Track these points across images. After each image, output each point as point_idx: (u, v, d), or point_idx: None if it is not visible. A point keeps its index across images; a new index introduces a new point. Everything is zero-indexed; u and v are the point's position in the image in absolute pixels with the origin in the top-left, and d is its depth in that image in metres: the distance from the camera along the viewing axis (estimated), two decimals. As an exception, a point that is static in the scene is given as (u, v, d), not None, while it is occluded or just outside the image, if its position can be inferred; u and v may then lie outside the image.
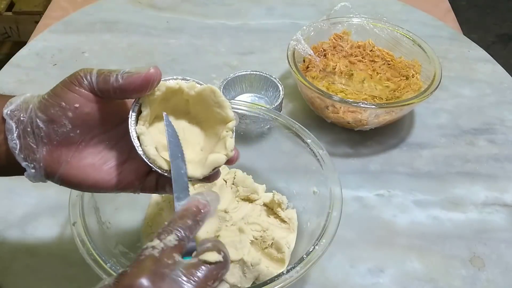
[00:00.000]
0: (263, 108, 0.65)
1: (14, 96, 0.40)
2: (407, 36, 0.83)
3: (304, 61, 0.81)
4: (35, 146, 0.39)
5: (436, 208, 0.68)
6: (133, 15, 1.04)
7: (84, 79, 0.39)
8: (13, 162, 0.39)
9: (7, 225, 0.63)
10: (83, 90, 0.39)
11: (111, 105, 0.41)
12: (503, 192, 0.71)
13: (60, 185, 0.41)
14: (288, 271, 0.47)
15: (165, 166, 0.41)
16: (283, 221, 0.61)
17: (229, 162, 0.43)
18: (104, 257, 0.48)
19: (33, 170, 0.39)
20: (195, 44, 0.97)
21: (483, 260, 0.62)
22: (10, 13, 1.77)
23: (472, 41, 1.00)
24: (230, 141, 0.43)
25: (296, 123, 0.62)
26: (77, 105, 0.39)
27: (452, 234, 0.65)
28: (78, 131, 0.39)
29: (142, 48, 0.95)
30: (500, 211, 0.68)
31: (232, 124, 0.43)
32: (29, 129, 0.38)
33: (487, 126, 0.81)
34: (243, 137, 0.66)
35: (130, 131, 0.41)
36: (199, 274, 0.33)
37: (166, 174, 0.41)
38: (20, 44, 1.03)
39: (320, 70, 0.80)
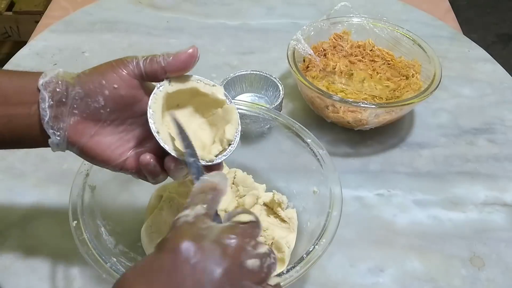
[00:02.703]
0: (263, 108, 0.65)
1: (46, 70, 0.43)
2: (407, 36, 0.83)
3: (304, 61, 0.81)
4: (64, 116, 0.41)
5: (436, 208, 0.68)
6: (133, 15, 1.04)
7: (129, 64, 0.42)
8: (42, 131, 0.42)
9: (7, 225, 0.63)
10: (126, 74, 0.42)
11: (142, 95, 0.44)
12: (503, 192, 0.71)
13: (77, 155, 0.44)
14: (288, 271, 0.48)
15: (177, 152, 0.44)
16: (283, 220, 0.61)
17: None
18: (104, 257, 0.48)
19: (58, 138, 0.42)
20: (195, 44, 0.96)
21: (483, 260, 0.62)
22: (10, 13, 1.77)
23: (472, 41, 1.00)
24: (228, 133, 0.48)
25: (296, 122, 0.62)
26: (116, 86, 0.41)
27: (452, 234, 0.65)
28: (108, 110, 0.42)
29: (142, 48, 0.95)
30: (500, 210, 0.68)
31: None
32: (64, 100, 0.41)
33: (487, 126, 0.81)
34: (243, 137, 0.65)
35: (150, 125, 0.43)
36: (236, 231, 0.35)
37: (179, 157, 0.44)
38: (20, 44, 1.03)
39: (320, 70, 0.80)
